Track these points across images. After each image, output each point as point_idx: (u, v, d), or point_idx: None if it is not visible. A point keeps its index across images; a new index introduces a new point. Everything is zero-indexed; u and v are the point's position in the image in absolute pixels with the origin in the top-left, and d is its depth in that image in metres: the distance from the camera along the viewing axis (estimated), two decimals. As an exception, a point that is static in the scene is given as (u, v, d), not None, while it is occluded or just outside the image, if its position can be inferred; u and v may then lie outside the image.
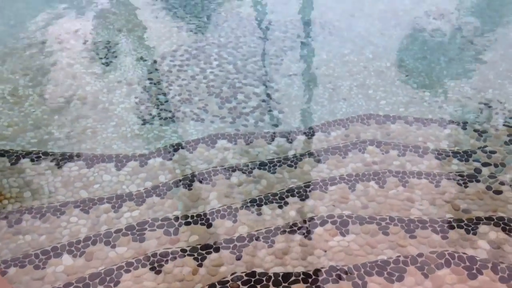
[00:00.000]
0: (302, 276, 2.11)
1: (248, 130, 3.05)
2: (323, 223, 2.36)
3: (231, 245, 2.26)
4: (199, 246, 2.26)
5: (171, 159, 2.79)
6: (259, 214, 2.43)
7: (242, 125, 3.10)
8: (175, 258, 2.20)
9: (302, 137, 2.97)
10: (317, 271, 2.13)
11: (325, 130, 3.03)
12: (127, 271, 2.15)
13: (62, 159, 2.76)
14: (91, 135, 2.98)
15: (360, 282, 2.07)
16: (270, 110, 3.26)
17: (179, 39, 4.09)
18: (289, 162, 2.76)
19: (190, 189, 2.58)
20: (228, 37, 4.14)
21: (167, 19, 4.42)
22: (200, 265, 2.17)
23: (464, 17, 4.37)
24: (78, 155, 2.79)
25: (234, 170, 2.70)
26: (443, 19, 4.30)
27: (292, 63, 3.80)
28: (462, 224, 2.33)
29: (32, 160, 2.75)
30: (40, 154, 2.79)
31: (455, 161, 2.73)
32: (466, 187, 2.55)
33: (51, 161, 2.75)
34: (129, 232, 2.33)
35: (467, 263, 2.13)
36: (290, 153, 2.83)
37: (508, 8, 4.57)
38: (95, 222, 2.39)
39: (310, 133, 3.00)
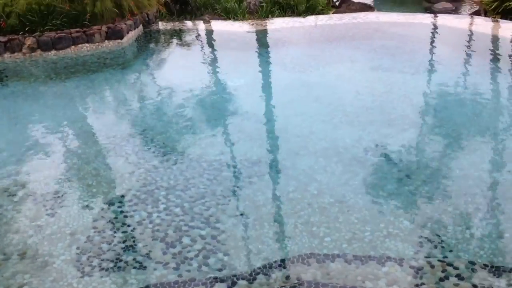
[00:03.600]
0: None
1: (190, 276, 3.01)
2: None
3: None
4: None
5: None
6: None
7: (186, 271, 3.06)
8: None
9: (243, 282, 2.94)
10: None
11: (266, 272, 3.02)
12: None
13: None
14: (26, 292, 2.87)
15: None
16: (214, 253, 3.25)
17: (129, 184, 4.17)
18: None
19: None
20: (177, 179, 4.25)
21: (118, 165, 4.54)
22: None
23: (402, 153, 4.64)
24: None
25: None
26: (381, 155, 4.56)
27: (239, 202, 3.88)
28: None
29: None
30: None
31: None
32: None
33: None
34: None
35: None
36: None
37: (448, 145, 4.89)
38: None
39: (251, 278, 2.98)
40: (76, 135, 5.25)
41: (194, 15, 10.90)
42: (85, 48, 7.51)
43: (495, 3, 10.00)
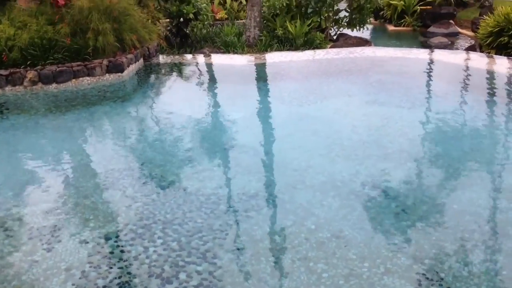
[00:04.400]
0: None
1: (187, 314, 2.98)
2: None
3: None
4: None
5: None
6: None
7: (182, 308, 3.04)
8: None
9: (240, 320, 2.91)
10: None
11: (263, 311, 3.00)
12: None
13: None
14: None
15: None
16: (211, 290, 3.23)
17: (126, 218, 4.17)
18: None
19: None
20: (175, 213, 4.25)
21: (116, 199, 4.54)
22: None
23: (399, 187, 4.66)
24: None
25: None
26: (378, 189, 4.58)
27: (236, 237, 3.88)
28: None
29: None
30: None
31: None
32: None
33: None
34: None
35: None
36: None
37: (445, 180, 4.92)
38: None
39: (248, 315, 2.96)
40: (75, 168, 5.27)
41: (194, 48, 11.09)
42: (86, 81, 7.61)
43: (490, 38, 10.21)
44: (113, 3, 8.10)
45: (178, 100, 7.35)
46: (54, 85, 7.43)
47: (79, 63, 7.68)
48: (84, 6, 7.79)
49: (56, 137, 6.12)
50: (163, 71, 8.78)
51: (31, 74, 7.31)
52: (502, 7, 10.71)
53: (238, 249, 3.72)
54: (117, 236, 3.89)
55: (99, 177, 5.04)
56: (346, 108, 6.90)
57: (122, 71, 7.93)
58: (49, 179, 5.01)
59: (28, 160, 5.46)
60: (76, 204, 4.47)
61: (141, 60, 8.86)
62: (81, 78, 7.61)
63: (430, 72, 8.59)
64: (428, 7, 14.59)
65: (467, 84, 7.81)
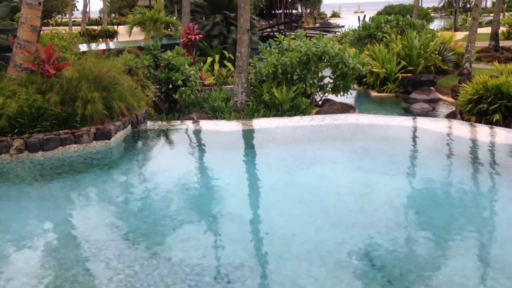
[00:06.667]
0: None
1: None
2: None
3: None
4: None
5: None
6: None
7: None
8: None
9: None
10: None
11: None
12: None
13: None
14: None
15: None
16: None
17: (108, 292, 4.07)
18: None
19: None
20: (158, 286, 4.16)
21: (98, 271, 4.45)
22: None
23: (385, 257, 4.64)
24: None
25: None
26: (364, 259, 4.55)
27: (220, 311, 3.79)
28: None
29: None
30: None
31: None
32: None
33: None
34: None
35: None
36: None
37: (430, 250, 4.92)
38: None
39: None
40: (58, 239, 5.19)
41: (183, 113, 11.25)
42: (73, 149, 7.63)
43: (470, 105, 10.54)
44: (103, 73, 8.30)
45: (165, 167, 7.37)
46: (40, 152, 7.44)
47: (66, 130, 7.73)
48: (74, 75, 7.96)
49: (40, 206, 6.05)
50: (150, 137, 8.86)
51: (17, 142, 7.32)
52: (480, 76, 11.16)
53: (222, 324, 3.62)
54: (98, 312, 3.77)
55: (81, 248, 4.96)
56: (331, 175, 6.97)
57: (109, 138, 7.99)
58: (30, 250, 4.92)
59: (10, 231, 5.36)
60: (56, 276, 4.36)
61: (129, 126, 8.95)
62: (68, 146, 7.63)
63: (413, 139, 8.78)
64: (409, 74, 15.12)
65: (450, 153, 7.98)
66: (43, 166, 7.14)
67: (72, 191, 6.41)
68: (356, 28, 19.85)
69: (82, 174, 6.95)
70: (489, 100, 10.15)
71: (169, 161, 7.79)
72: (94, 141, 7.88)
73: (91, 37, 31.27)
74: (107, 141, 7.95)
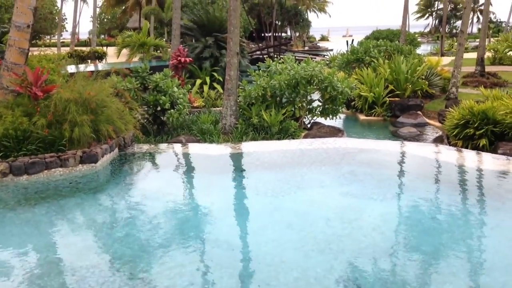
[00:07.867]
0: None
1: None
2: None
3: None
4: None
5: None
6: None
7: None
8: None
9: None
10: None
11: None
12: None
13: None
14: None
15: None
16: None
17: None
18: None
19: None
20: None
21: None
22: None
23: (374, 284, 4.60)
24: None
25: None
26: (352, 286, 4.50)
27: None
28: None
29: None
30: None
31: None
32: None
33: None
34: None
35: None
36: None
37: (418, 276, 4.88)
38: None
39: None
40: (40, 265, 5.07)
41: (171, 136, 11.21)
42: (58, 173, 7.53)
43: (456, 130, 10.66)
44: (91, 96, 8.25)
45: (152, 192, 7.29)
46: (25, 176, 7.33)
47: (52, 154, 7.64)
48: (63, 98, 7.90)
49: (23, 232, 5.93)
50: (137, 161, 8.79)
51: (2, 166, 7.21)
52: (466, 101, 11.31)
53: None
54: None
55: (65, 275, 4.85)
56: (319, 199, 6.94)
57: (96, 161, 7.91)
58: (12, 277, 4.80)
59: (-9, 257, 5.23)
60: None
61: (116, 150, 8.88)
62: (53, 169, 7.53)
63: (401, 164, 8.81)
64: (397, 98, 15.28)
65: (437, 178, 8.02)
66: (27, 190, 7.03)
67: (57, 216, 6.29)
68: (345, 52, 20.12)
69: (67, 199, 6.84)
70: (475, 125, 10.27)
71: (156, 186, 7.71)
72: (80, 165, 7.79)
73: (80, 58, 31.29)
74: (93, 164, 7.86)
